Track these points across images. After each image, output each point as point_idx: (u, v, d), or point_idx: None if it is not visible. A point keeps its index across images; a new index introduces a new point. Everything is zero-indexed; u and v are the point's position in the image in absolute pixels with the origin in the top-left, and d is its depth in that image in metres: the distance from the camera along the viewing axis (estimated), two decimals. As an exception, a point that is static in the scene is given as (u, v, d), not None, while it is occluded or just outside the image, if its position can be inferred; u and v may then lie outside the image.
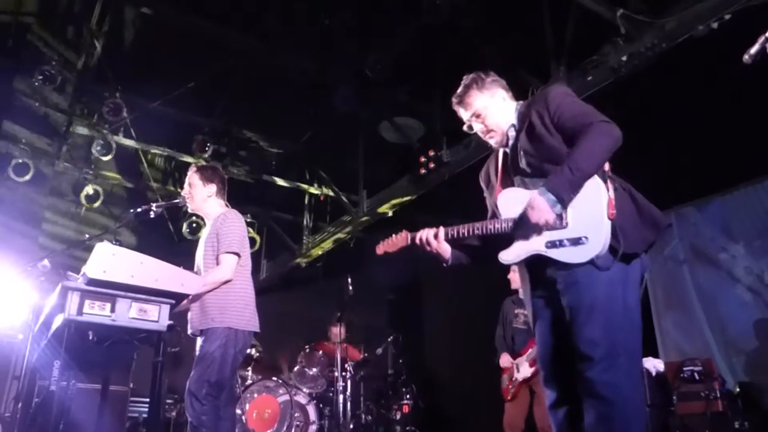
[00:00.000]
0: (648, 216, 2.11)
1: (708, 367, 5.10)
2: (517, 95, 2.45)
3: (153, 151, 6.70)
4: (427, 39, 5.10)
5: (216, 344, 3.11)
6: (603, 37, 4.21)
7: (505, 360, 4.78)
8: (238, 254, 3.27)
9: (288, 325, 6.51)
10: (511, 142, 2.34)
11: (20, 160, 5.97)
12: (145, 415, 5.49)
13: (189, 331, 3.30)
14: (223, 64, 5.74)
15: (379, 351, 6.39)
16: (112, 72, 5.95)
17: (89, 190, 6.37)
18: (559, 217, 2.09)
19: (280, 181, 7.33)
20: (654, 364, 5.26)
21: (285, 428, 5.32)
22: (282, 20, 5.37)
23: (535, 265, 2.22)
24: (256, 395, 5.37)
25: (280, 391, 5.46)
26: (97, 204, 6.44)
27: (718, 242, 6.18)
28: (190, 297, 3.00)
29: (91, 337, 2.81)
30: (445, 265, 2.41)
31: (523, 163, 2.25)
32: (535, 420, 4.45)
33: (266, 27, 5.44)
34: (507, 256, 2.24)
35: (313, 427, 5.56)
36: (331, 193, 7.30)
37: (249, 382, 5.48)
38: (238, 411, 5.06)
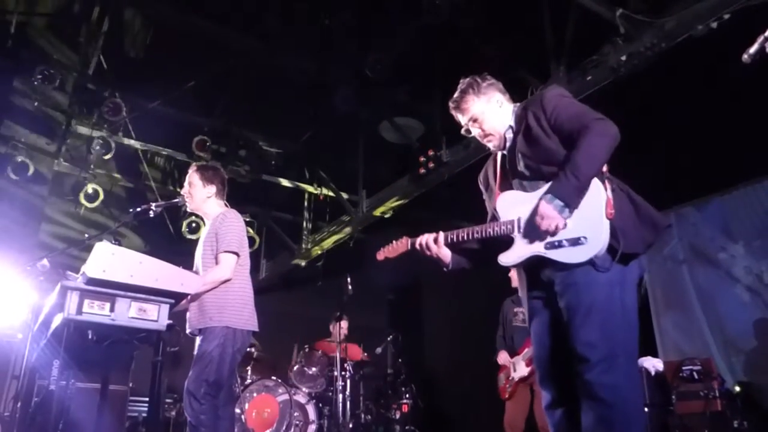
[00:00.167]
0: (646, 217, 2.11)
1: (707, 366, 5.10)
2: (517, 95, 2.46)
3: (153, 150, 6.69)
4: (427, 39, 5.10)
5: (214, 343, 3.11)
6: (603, 36, 4.21)
7: (502, 358, 4.79)
8: (237, 254, 3.27)
9: (288, 325, 6.51)
10: (508, 145, 2.34)
11: (20, 160, 5.96)
12: (144, 415, 5.49)
13: (187, 331, 3.30)
14: (223, 64, 5.74)
15: (379, 351, 6.40)
16: (111, 72, 5.95)
17: (89, 189, 6.36)
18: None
19: (280, 181, 7.33)
20: (653, 364, 5.26)
21: (284, 428, 5.33)
22: (282, 20, 5.37)
23: (532, 265, 2.22)
24: (255, 394, 5.37)
25: (280, 391, 5.47)
26: (96, 204, 6.44)
27: (718, 242, 6.18)
28: (189, 296, 3.00)
29: (90, 337, 2.81)
30: (445, 269, 2.42)
31: (521, 166, 2.25)
32: (536, 419, 4.45)
33: (266, 27, 5.44)
34: (507, 258, 2.24)
35: (313, 427, 5.56)
36: (331, 193, 7.30)
37: (248, 381, 5.48)
38: (238, 410, 5.06)
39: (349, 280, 5.71)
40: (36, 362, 3.18)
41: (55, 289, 2.72)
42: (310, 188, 7.51)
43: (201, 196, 3.49)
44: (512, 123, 2.34)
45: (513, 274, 4.70)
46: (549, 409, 2.22)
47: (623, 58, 4.07)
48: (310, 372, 5.85)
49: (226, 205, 3.56)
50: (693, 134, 5.12)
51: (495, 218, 2.30)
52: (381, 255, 2.51)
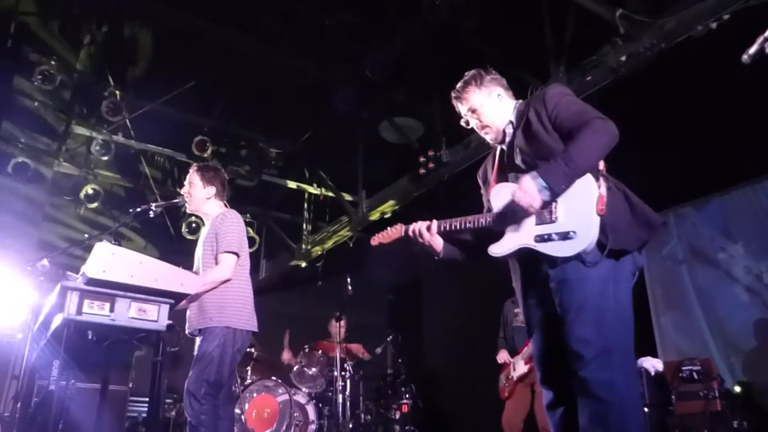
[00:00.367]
0: (641, 215, 2.12)
1: (707, 366, 5.10)
2: (517, 95, 2.47)
3: (152, 151, 6.69)
4: (427, 39, 5.10)
5: (214, 343, 3.12)
6: (602, 37, 4.22)
7: (502, 356, 4.80)
8: (237, 254, 3.27)
9: (287, 325, 6.51)
10: (508, 139, 2.37)
11: (20, 160, 5.97)
12: (144, 415, 5.50)
13: (187, 331, 3.30)
14: (223, 64, 5.74)
15: (379, 351, 6.40)
16: (111, 72, 5.95)
17: (89, 189, 6.37)
18: (548, 209, 2.11)
19: (280, 181, 7.32)
20: (653, 364, 5.26)
21: (284, 428, 5.33)
22: (282, 20, 5.37)
23: (528, 262, 2.23)
24: (255, 395, 5.37)
25: (280, 391, 5.47)
26: (96, 204, 6.45)
27: (717, 242, 6.18)
28: (189, 297, 3.00)
29: (90, 337, 2.81)
30: (436, 258, 2.45)
31: (518, 160, 2.27)
32: (536, 419, 4.45)
33: (266, 27, 5.44)
34: (497, 249, 2.25)
35: (313, 427, 5.56)
36: (331, 193, 7.30)
37: (248, 381, 5.48)
38: (238, 410, 5.07)
39: (349, 280, 5.71)
40: (36, 362, 3.18)
41: (55, 289, 2.73)
42: (310, 188, 7.51)
43: (201, 196, 3.49)
44: (513, 118, 2.37)
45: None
46: (550, 408, 2.22)
47: (623, 58, 4.07)
48: (310, 372, 5.86)
49: (225, 206, 3.56)
50: (693, 134, 5.11)
51: (490, 211, 2.32)
52: (375, 240, 2.55)
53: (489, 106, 2.38)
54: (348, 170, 6.79)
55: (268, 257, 8.22)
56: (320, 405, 5.76)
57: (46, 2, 5.55)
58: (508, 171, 2.33)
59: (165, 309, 2.74)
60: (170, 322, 2.78)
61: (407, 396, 6.13)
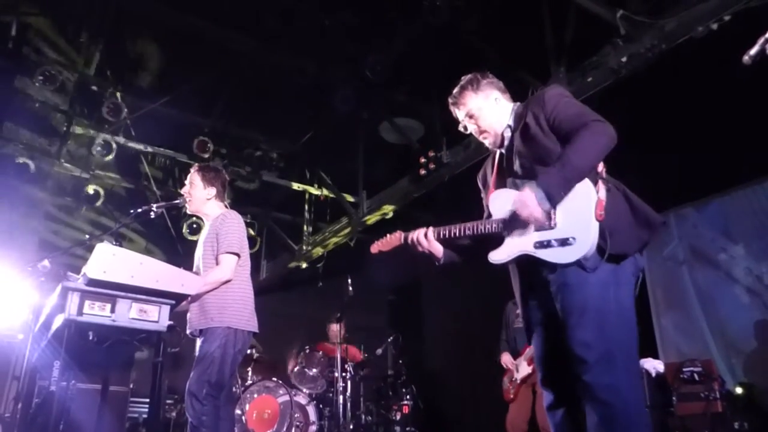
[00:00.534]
0: (642, 216, 2.11)
1: (708, 367, 5.09)
2: (517, 96, 2.46)
3: (153, 151, 6.70)
4: (427, 39, 5.10)
5: (215, 344, 3.12)
6: (603, 37, 4.21)
7: (505, 359, 4.79)
8: (237, 254, 3.27)
9: (288, 326, 6.51)
10: (506, 143, 2.36)
11: (20, 160, 5.97)
12: (145, 416, 5.50)
13: (188, 331, 3.30)
14: (223, 65, 5.74)
15: (379, 351, 6.40)
16: (112, 72, 5.95)
17: (89, 190, 6.38)
18: (548, 216, 2.10)
19: (280, 182, 7.32)
20: (654, 365, 5.26)
21: (285, 428, 5.33)
22: (282, 20, 5.37)
23: (527, 267, 2.23)
24: (255, 395, 5.37)
25: (280, 392, 5.47)
26: (97, 204, 6.45)
27: (718, 243, 6.17)
28: (190, 297, 3.00)
29: (91, 338, 2.82)
30: (437, 263, 2.44)
31: (516, 165, 2.26)
32: (537, 420, 4.45)
33: (266, 27, 5.44)
34: (497, 255, 2.25)
35: (313, 428, 5.56)
36: (332, 194, 7.30)
37: (249, 382, 5.48)
38: (238, 411, 5.07)
39: (349, 281, 5.70)
40: (37, 363, 3.18)
41: (56, 289, 2.73)
42: (310, 189, 7.51)
43: (201, 197, 3.49)
44: (511, 122, 2.36)
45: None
46: (550, 409, 2.22)
47: (623, 59, 4.07)
48: (311, 373, 5.86)
49: (226, 207, 3.56)
50: (694, 135, 5.11)
51: (490, 216, 2.32)
52: (375, 248, 2.55)
53: (486, 110, 2.37)
54: (348, 171, 6.78)
55: (269, 258, 8.22)
56: (321, 406, 5.76)
57: (47, 3, 5.56)
58: (506, 176, 2.32)
59: (166, 310, 2.75)
60: (171, 322, 2.79)
61: (408, 397, 6.13)
